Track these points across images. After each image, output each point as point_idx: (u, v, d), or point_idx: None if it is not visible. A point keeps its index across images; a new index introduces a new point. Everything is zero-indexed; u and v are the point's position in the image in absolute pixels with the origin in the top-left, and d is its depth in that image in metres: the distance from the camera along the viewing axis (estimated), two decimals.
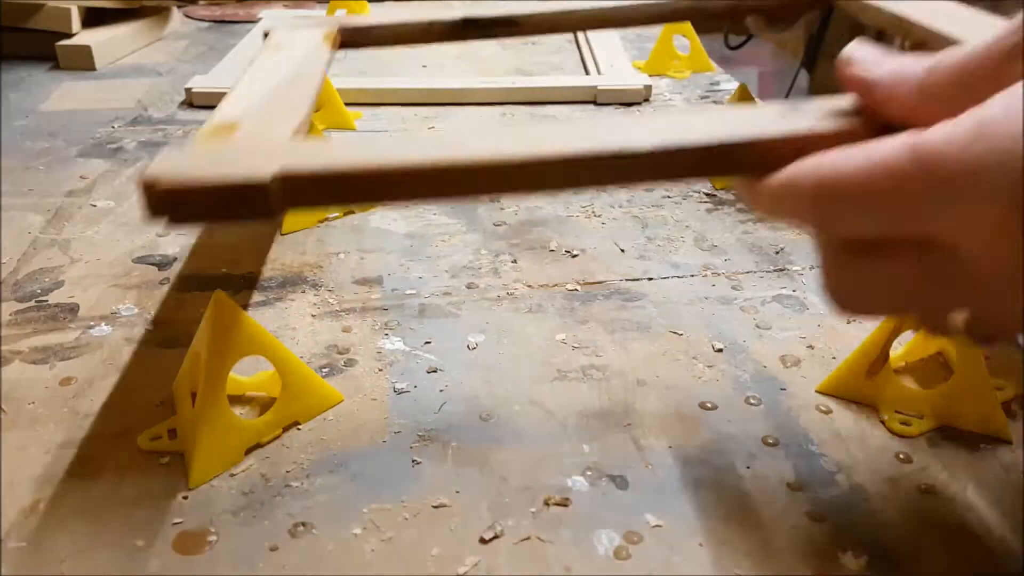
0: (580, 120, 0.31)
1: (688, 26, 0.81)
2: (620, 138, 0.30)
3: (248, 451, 0.34)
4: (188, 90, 0.74)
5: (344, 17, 0.56)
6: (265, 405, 0.36)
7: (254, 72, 0.45)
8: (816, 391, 0.38)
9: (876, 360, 0.37)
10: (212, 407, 0.33)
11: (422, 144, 0.31)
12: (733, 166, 0.29)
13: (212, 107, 0.53)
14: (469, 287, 0.46)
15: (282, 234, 0.52)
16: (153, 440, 0.35)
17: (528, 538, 0.31)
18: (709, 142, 0.29)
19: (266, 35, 0.53)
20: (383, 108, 0.73)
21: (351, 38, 0.54)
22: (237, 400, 0.37)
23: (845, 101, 0.30)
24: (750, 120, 0.30)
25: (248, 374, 0.38)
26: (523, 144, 0.30)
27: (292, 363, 0.36)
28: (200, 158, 0.31)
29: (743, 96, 0.61)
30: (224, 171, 0.30)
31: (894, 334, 0.36)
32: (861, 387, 0.37)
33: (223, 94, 0.54)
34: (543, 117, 0.72)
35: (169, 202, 0.29)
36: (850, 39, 0.34)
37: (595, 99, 0.75)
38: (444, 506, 0.32)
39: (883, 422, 0.36)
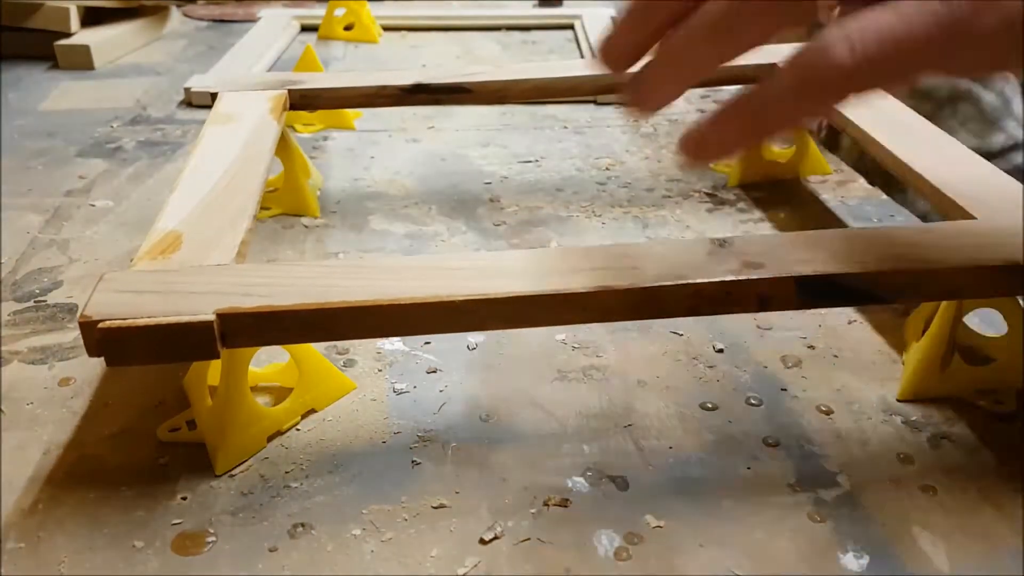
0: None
1: None
2: (558, 281, 0.32)
3: (270, 438, 0.35)
4: (187, 90, 0.74)
5: (295, 77, 0.55)
6: (278, 395, 0.37)
7: (200, 157, 0.44)
8: (898, 400, 0.38)
9: (945, 353, 0.37)
10: (236, 396, 0.33)
11: (372, 280, 0.32)
12: (662, 306, 0.32)
13: (211, 107, 0.52)
14: None
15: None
16: (172, 432, 0.35)
17: (528, 539, 0.31)
18: (634, 286, 0.32)
19: (214, 97, 0.53)
20: (383, 107, 0.73)
21: (301, 102, 0.54)
22: (252, 390, 0.37)
23: None
24: (682, 258, 0.33)
25: (258, 366, 0.38)
26: (465, 285, 0.32)
27: (308, 351, 0.36)
28: (139, 293, 0.31)
29: None
30: (164, 311, 0.30)
31: (955, 323, 0.37)
32: (940, 382, 0.37)
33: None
34: (544, 116, 0.72)
35: (106, 343, 0.30)
36: None
37: (595, 99, 0.74)
38: (444, 507, 0.32)
39: (980, 406, 0.37)
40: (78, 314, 0.30)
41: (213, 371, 0.36)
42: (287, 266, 0.34)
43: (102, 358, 0.29)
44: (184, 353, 0.30)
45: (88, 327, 0.29)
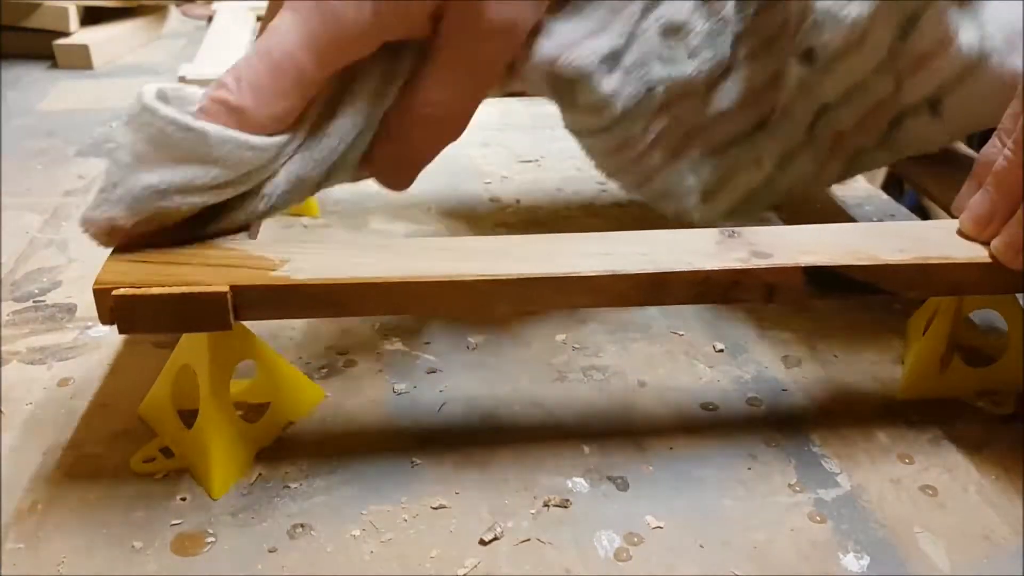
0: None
1: None
2: (565, 263, 0.32)
3: (256, 456, 0.34)
4: (182, 78, 0.76)
5: None
6: (248, 411, 0.36)
7: None
8: (898, 400, 0.38)
9: (945, 354, 0.37)
10: (220, 416, 0.32)
11: (385, 258, 0.32)
12: (669, 294, 0.32)
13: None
14: None
15: None
16: (147, 462, 0.34)
17: (528, 539, 0.31)
18: (643, 271, 0.31)
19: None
20: None
21: None
22: None
23: None
24: (691, 246, 0.33)
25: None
26: (487, 266, 0.31)
27: (280, 365, 0.35)
28: (152, 263, 0.31)
29: None
30: (177, 280, 0.30)
31: (956, 323, 0.37)
32: (939, 382, 0.37)
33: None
34: (544, 116, 0.72)
35: (119, 311, 0.29)
36: None
37: None
38: (443, 507, 0.32)
39: (980, 407, 0.37)
40: (92, 283, 0.29)
41: (176, 396, 0.35)
42: (300, 242, 0.34)
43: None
44: (196, 323, 0.30)
45: (102, 294, 0.29)
